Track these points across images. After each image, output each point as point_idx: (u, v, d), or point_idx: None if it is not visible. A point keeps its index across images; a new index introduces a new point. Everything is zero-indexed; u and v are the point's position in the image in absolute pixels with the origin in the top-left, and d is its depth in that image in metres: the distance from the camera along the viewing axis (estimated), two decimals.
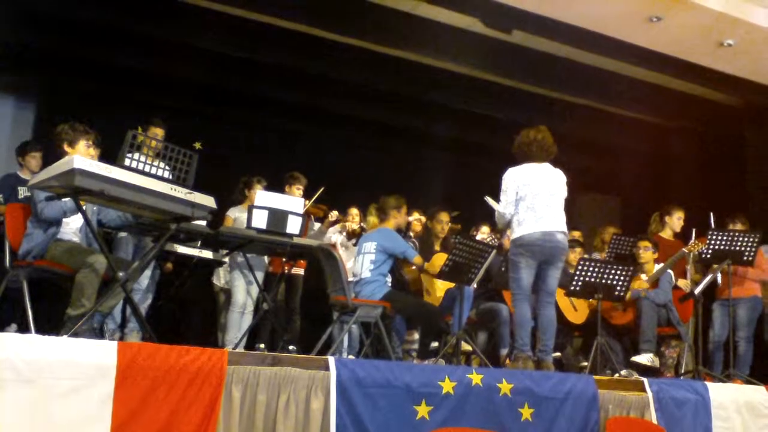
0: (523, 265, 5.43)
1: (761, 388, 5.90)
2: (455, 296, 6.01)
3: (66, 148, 4.83)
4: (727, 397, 5.60)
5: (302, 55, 8.37)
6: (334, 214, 7.03)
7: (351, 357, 6.45)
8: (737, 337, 7.06)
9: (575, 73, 8.84)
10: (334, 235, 7.28)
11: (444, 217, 6.90)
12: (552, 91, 9.39)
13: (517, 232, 5.47)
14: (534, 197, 5.44)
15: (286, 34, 8.12)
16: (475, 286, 6.21)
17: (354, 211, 7.33)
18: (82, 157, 4.21)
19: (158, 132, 6.29)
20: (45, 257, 4.73)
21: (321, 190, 6.97)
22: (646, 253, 6.85)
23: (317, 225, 7.11)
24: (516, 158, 5.68)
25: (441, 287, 6.41)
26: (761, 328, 7.42)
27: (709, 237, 6.69)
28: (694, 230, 7.10)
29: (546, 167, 5.62)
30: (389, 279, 6.12)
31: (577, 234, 8.11)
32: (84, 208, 4.52)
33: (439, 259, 6.13)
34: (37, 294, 4.79)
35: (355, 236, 7.25)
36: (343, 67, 8.61)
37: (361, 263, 6.07)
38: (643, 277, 6.76)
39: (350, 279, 6.38)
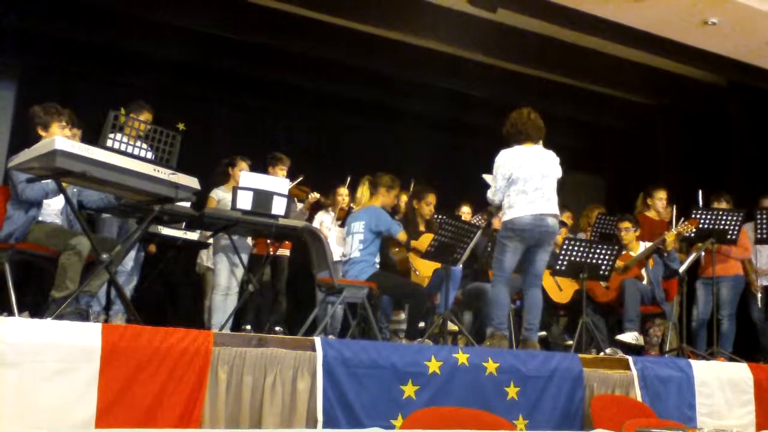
0: (510, 248, 5.41)
1: (744, 365, 5.94)
2: (443, 276, 6.02)
3: (40, 131, 4.72)
4: (711, 375, 5.64)
5: (284, 34, 8.29)
6: (315, 196, 7.00)
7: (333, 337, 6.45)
8: (720, 316, 7.13)
9: (560, 52, 8.80)
10: (320, 216, 7.26)
11: (432, 198, 6.88)
12: (536, 69, 9.36)
13: (508, 214, 5.42)
14: (525, 180, 5.38)
15: (267, 13, 8.02)
16: (460, 266, 6.22)
17: (343, 191, 7.29)
18: (63, 138, 4.15)
19: (149, 117, 6.16)
20: (27, 240, 4.67)
21: (300, 178, 6.93)
22: (627, 234, 6.86)
23: (300, 206, 7.09)
24: (507, 140, 5.60)
25: (429, 267, 6.41)
26: (747, 306, 7.49)
27: (694, 215, 6.72)
28: (674, 207, 7.09)
29: (538, 149, 5.57)
30: (378, 259, 6.11)
31: (567, 215, 8.11)
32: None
33: (428, 239, 6.13)
34: (21, 277, 4.74)
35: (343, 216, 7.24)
36: (325, 47, 8.53)
37: (351, 243, 6.06)
38: (632, 254, 6.79)
39: (341, 259, 6.38)
